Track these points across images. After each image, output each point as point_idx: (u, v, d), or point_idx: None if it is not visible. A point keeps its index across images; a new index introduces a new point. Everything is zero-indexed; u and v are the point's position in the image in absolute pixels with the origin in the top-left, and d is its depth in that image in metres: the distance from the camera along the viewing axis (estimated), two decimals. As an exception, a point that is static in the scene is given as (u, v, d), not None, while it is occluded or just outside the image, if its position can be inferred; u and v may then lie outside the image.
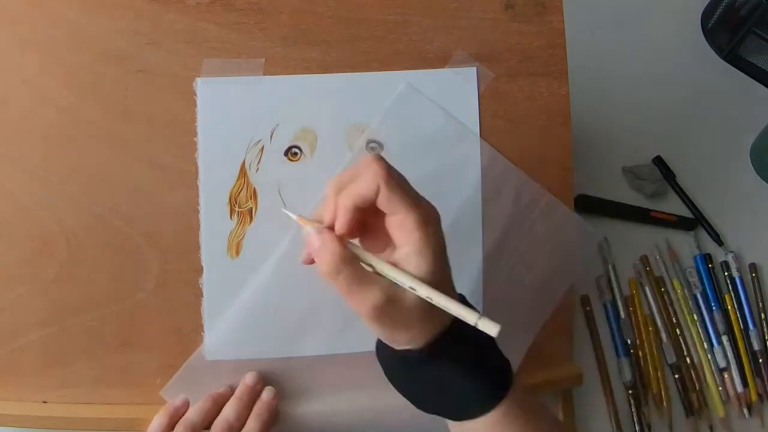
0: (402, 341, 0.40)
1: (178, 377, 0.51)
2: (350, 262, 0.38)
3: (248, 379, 0.51)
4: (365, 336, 0.43)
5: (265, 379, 0.52)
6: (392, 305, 0.38)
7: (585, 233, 0.58)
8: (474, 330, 0.38)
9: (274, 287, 0.50)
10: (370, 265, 0.39)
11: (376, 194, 0.38)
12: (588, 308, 0.66)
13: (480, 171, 0.53)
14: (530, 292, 0.56)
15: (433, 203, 0.42)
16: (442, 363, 0.40)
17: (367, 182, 0.38)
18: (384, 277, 0.38)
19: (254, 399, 0.51)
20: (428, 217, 0.38)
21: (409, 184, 0.39)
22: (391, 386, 0.44)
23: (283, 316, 0.51)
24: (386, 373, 0.43)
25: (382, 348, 0.43)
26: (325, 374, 0.52)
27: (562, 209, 0.56)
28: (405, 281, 0.38)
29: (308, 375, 0.52)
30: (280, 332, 0.51)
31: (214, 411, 0.49)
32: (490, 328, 0.37)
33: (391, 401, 0.51)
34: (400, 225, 0.38)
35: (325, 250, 0.38)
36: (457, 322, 0.39)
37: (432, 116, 0.52)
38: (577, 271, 0.59)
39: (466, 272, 0.53)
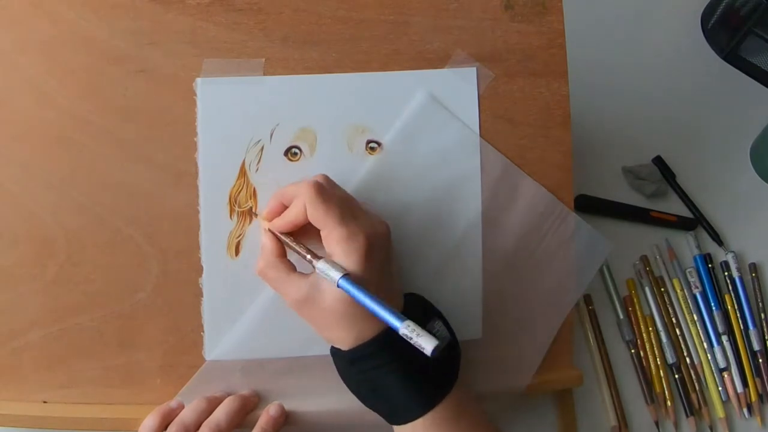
0: (330, 339, 0.46)
1: (193, 382, 0.51)
2: (275, 267, 0.46)
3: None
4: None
5: (273, 379, 0.52)
6: (310, 303, 0.44)
7: (597, 243, 0.58)
8: (404, 343, 0.42)
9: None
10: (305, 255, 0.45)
11: (305, 214, 0.44)
12: (591, 307, 0.66)
13: (493, 182, 0.53)
14: (540, 304, 0.56)
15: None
16: (367, 368, 0.44)
17: (296, 205, 0.45)
18: (310, 276, 0.44)
19: (247, 405, 0.50)
20: (352, 235, 0.43)
21: (343, 204, 0.44)
22: None
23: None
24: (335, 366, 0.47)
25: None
26: (332, 373, 0.52)
27: (575, 219, 0.56)
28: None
29: (316, 374, 0.52)
30: (297, 332, 0.51)
31: (209, 412, 0.49)
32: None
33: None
34: (326, 239, 0.44)
35: (261, 254, 0.47)
36: (386, 334, 0.43)
37: (448, 127, 0.52)
38: (588, 282, 0.59)
39: (469, 282, 0.54)
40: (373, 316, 0.42)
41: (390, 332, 0.43)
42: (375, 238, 0.44)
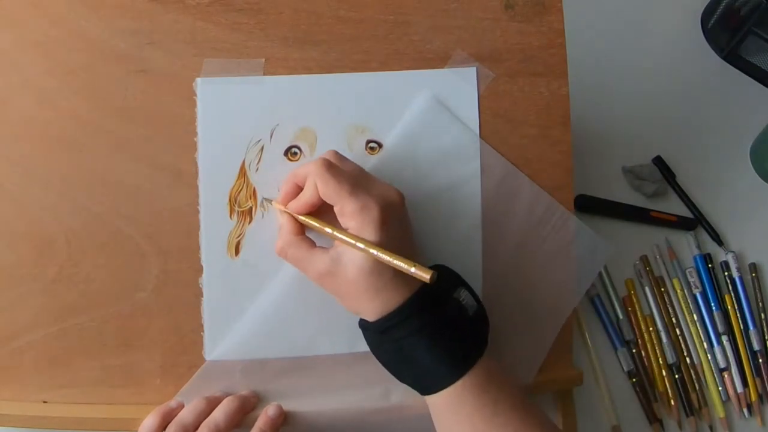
0: (355, 310, 0.46)
1: (192, 382, 0.51)
2: (295, 244, 0.47)
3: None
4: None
5: (272, 380, 0.52)
6: (334, 276, 0.45)
7: (597, 246, 0.58)
8: (433, 309, 0.44)
9: (293, 289, 0.50)
10: (327, 232, 0.46)
11: (317, 192, 0.45)
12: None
13: (493, 184, 0.53)
14: (540, 307, 0.56)
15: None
16: (397, 337, 0.44)
17: (309, 185, 0.45)
18: (331, 250, 0.45)
19: (246, 405, 0.50)
20: (365, 207, 0.43)
21: (353, 177, 0.45)
22: (394, 386, 0.46)
23: (303, 315, 0.51)
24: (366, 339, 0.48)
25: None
26: (332, 373, 0.52)
27: (575, 222, 0.55)
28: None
29: (315, 374, 0.52)
30: (298, 332, 0.51)
31: (208, 412, 0.49)
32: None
33: (396, 400, 0.51)
34: (340, 214, 0.45)
35: (279, 234, 0.48)
36: (412, 302, 0.44)
37: (449, 129, 0.52)
38: (588, 285, 0.59)
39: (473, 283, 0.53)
40: (397, 285, 0.43)
41: (415, 300, 0.44)
42: (389, 208, 0.44)
